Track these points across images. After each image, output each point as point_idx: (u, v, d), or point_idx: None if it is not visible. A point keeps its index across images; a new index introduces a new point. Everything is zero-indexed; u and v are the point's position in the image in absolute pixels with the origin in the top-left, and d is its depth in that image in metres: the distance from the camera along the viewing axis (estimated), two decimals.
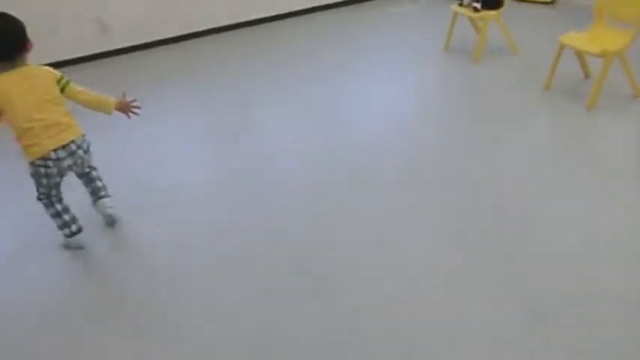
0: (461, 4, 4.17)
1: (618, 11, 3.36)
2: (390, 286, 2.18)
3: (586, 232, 2.38)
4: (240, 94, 4.03)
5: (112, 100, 2.53)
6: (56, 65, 4.06)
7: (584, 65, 3.71)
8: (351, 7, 5.76)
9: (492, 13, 4.02)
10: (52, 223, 2.52)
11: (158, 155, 3.34)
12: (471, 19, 4.25)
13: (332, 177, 2.94)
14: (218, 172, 3.12)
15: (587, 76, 3.73)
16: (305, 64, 4.46)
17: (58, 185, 2.48)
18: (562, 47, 3.47)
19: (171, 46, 5.13)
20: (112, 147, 3.46)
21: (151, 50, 5.07)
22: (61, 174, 2.45)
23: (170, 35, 5.17)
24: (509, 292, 2.09)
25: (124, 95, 2.59)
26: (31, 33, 2.30)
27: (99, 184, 2.67)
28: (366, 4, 5.81)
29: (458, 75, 4.04)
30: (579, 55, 3.63)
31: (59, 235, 2.54)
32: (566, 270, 2.18)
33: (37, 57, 2.50)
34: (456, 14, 4.23)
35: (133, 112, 2.60)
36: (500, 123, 3.32)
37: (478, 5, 3.99)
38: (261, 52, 4.80)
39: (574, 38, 3.47)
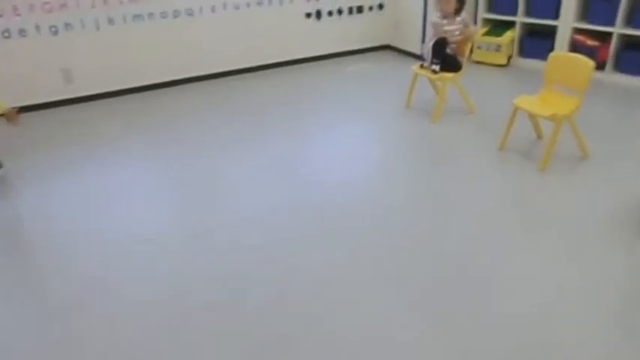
0: (421, 66, 4.37)
1: (565, 80, 3.59)
2: (347, 345, 2.18)
3: (539, 293, 2.45)
4: (200, 149, 4.06)
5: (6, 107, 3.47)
6: (25, 109, 4.14)
7: (536, 126, 3.91)
8: (311, 64, 5.93)
9: (450, 75, 4.22)
10: None
11: (116, 210, 3.31)
12: (430, 79, 4.44)
13: (291, 233, 2.97)
14: (180, 228, 3.10)
15: (539, 137, 3.93)
16: (266, 120, 4.53)
17: None
18: (515, 109, 3.66)
19: (132, 97, 5.17)
20: (73, 198, 3.43)
21: (113, 100, 5.10)
22: None
23: (131, 86, 5.22)
24: (468, 354, 2.12)
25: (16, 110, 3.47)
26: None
27: None
28: (326, 61, 6.00)
29: (417, 134, 4.18)
30: (532, 117, 3.83)
31: None
32: (519, 331, 2.23)
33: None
34: (415, 75, 4.42)
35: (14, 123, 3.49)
36: (456, 183, 3.44)
37: (437, 68, 4.19)
38: (218, 107, 4.86)
39: (526, 101, 3.67)
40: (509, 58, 5.66)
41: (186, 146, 4.11)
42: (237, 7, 5.39)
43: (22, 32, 4.66)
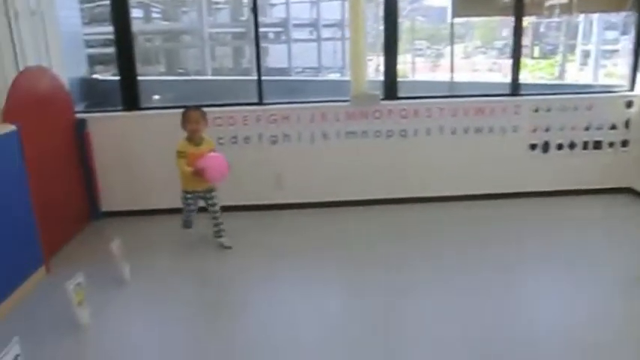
0: None
1: None
2: None
3: None
4: (395, 276, 3.69)
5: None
6: (237, 208, 4.38)
7: None
8: (529, 200, 5.20)
9: None
10: None
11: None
12: None
13: None
14: None
15: None
16: (474, 256, 4.01)
17: None
18: None
19: (335, 210, 5.10)
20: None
21: (318, 210, 5.10)
22: None
23: (336, 199, 5.18)
24: None
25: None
26: None
27: None
28: (546, 199, 5.20)
29: None
30: None
31: None
32: None
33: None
34: None
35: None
36: None
37: None
38: (417, 234, 4.50)
39: None
40: None
41: (374, 275, 3.78)
42: (453, 132, 5.09)
43: (246, 139, 5.02)
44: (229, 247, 4.24)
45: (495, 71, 9.32)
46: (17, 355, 2.55)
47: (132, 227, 4.81)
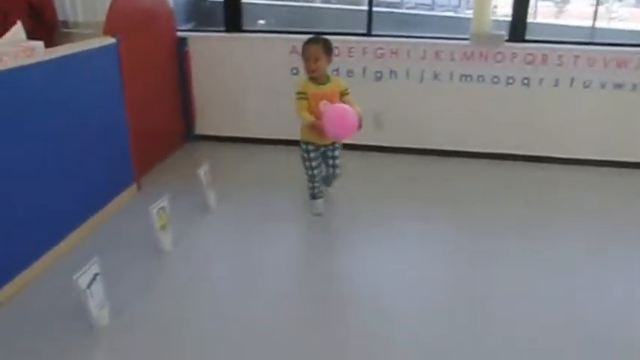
0: None
1: None
2: None
3: None
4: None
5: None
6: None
7: None
8: None
9: None
10: None
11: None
12: None
13: None
14: None
15: None
16: (606, 230, 3.51)
17: None
18: None
19: (438, 160, 4.68)
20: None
21: (421, 157, 4.70)
22: None
23: (440, 147, 4.76)
24: None
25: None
26: None
27: None
28: None
29: None
30: None
31: None
32: None
33: None
34: None
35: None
36: None
37: None
38: (530, 198, 3.98)
39: None
40: None
41: (478, 238, 3.40)
42: (587, 86, 4.39)
43: (349, 73, 4.65)
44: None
45: (621, 20, 8.21)
46: (96, 274, 2.51)
47: (223, 153, 4.71)
